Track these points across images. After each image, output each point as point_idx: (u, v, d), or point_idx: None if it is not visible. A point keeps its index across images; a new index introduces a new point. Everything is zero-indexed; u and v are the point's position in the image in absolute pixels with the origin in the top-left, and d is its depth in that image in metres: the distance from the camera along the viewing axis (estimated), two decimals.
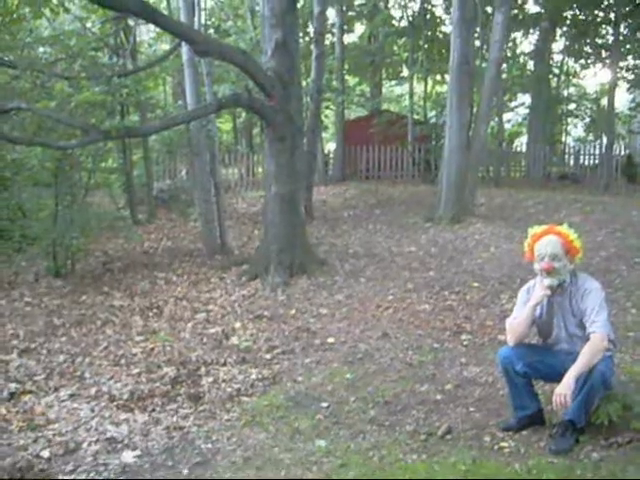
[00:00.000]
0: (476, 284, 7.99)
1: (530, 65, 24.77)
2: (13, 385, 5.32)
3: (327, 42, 20.02)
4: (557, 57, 26.30)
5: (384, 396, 4.82)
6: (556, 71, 26.29)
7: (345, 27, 21.86)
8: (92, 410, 4.79)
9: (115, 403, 4.88)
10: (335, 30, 20.87)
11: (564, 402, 3.70)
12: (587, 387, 3.81)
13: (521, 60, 24.91)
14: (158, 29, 12.83)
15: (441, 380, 5.10)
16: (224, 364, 5.62)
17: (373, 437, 4.17)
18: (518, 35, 24.30)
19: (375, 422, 4.39)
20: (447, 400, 4.71)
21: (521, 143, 27.97)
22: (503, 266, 8.85)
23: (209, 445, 4.17)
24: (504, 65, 20.29)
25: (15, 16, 10.07)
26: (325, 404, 4.72)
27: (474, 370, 5.27)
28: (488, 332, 6.22)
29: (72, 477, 3.83)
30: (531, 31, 24.04)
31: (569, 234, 4.06)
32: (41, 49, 12.23)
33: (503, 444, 3.97)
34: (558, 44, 25.57)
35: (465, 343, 5.98)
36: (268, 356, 5.88)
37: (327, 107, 22.87)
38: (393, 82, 29.32)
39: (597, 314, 3.87)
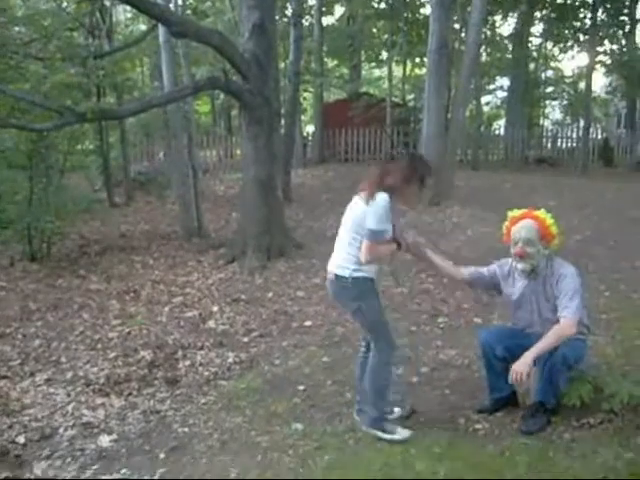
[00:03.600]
0: None
1: (509, 48, 24.81)
2: None
3: (306, 24, 19.91)
4: (536, 40, 26.37)
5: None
6: (534, 54, 26.37)
7: (324, 9, 21.74)
8: (68, 395, 4.78)
9: (91, 387, 4.88)
10: (314, 12, 20.74)
11: (519, 379, 3.73)
12: (547, 368, 3.87)
13: (500, 43, 24.95)
14: (135, 10, 12.67)
15: (417, 363, 5.13)
16: (201, 348, 5.63)
17: (349, 420, 4.18)
18: (497, 18, 24.33)
19: (351, 405, 4.39)
20: (423, 383, 4.76)
21: (499, 126, 28.09)
22: (479, 249, 8.90)
23: (186, 429, 4.18)
24: (483, 48, 20.33)
25: None
26: (302, 387, 4.74)
27: (450, 353, 5.31)
28: (464, 315, 6.28)
29: (48, 463, 3.82)
30: (510, 14, 24.07)
31: (546, 219, 4.03)
32: (15, 29, 12.04)
33: (477, 426, 4.01)
34: (537, 27, 25.66)
35: (441, 326, 6.03)
36: (245, 339, 5.88)
37: (305, 90, 22.78)
38: (372, 65, 29.25)
39: (570, 299, 3.87)
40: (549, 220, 4.03)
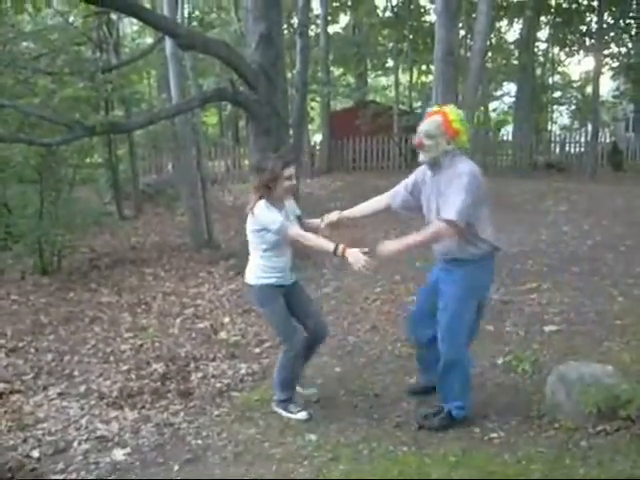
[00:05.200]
0: None
1: (515, 54, 24.79)
2: (1, 385, 5.31)
3: (311, 33, 19.97)
4: (542, 45, 26.36)
5: (373, 389, 4.84)
6: (541, 59, 26.35)
7: (329, 18, 21.79)
8: (82, 408, 4.79)
9: (105, 401, 4.88)
10: (319, 21, 20.80)
11: (363, 266, 3.85)
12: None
13: (506, 49, 24.94)
14: (141, 23, 12.73)
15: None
16: (213, 359, 5.62)
17: (363, 430, 4.18)
18: (503, 24, 24.34)
19: (365, 415, 4.41)
20: (436, 391, 4.73)
21: (507, 132, 28.06)
22: None
23: (199, 441, 4.18)
24: (489, 54, 20.33)
25: None
26: (315, 398, 4.73)
27: None
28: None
29: (63, 477, 3.82)
30: (516, 20, 24.07)
31: (450, 114, 3.94)
32: (23, 44, 12.12)
33: (493, 435, 4.00)
34: (543, 32, 25.65)
35: None
36: (257, 350, 5.87)
37: (312, 99, 22.83)
38: (378, 73, 29.29)
39: (453, 199, 3.78)
40: (454, 116, 3.94)
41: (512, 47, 25.04)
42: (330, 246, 3.98)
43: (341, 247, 3.94)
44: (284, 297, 4.35)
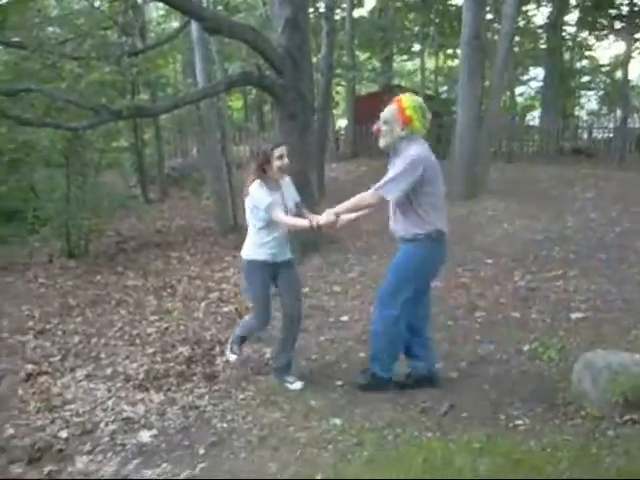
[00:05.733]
0: (489, 261, 7.96)
1: (543, 38, 24.45)
2: (30, 366, 5.37)
3: (337, 17, 19.84)
4: (570, 29, 25.95)
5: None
6: (569, 43, 25.97)
7: (355, 1, 21.62)
8: (108, 390, 4.83)
9: (131, 383, 4.92)
10: (345, 5, 20.65)
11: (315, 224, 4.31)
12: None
13: (534, 33, 24.60)
14: (167, 7, 12.74)
15: (455, 357, 5.09)
16: None
17: (388, 415, 4.17)
18: (531, 7, 23.99)
19: (389, 400, 4.40)
20: (462, 378, 4.72)
21: (534, 117, 27.76)
22: (516, 243, 8.80)
23: (224, 424, 4.19)
24: (516, 38, 20.06)
25: None
26: (339, 382, 4.73)
27: (488, 348, 5.26)
28: (502, 309, 6.20)
29: (90, 457, 3.86)
30: (544, 3, 23.72)
31: (404, 101, 4.22)
32: (50, 29, 12.18)
33: (518, 422, 3.97)
34: (571, 16, 25.23)
35: (479, 320, 5.96)
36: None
37: (338, 83, 22.72)
38: (404, 57, 29.06)
39: (388, 174, 4.19)
40: (407, 103, 4.20)
41: (540, 31, 24.70)
42: (306, 222, 4.42)
43: (315, 221, 4.35)
44: (273, 274, 4.67)
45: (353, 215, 4.57)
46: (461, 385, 4.58)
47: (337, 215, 4.34)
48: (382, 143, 4.33)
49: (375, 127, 4.33)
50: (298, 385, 4.68)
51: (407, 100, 4.22)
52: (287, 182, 4.72)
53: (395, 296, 4.35)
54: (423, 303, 4.54)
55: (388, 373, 4.56)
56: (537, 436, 3.78)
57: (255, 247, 4.59)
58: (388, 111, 4.27)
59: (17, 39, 10.03)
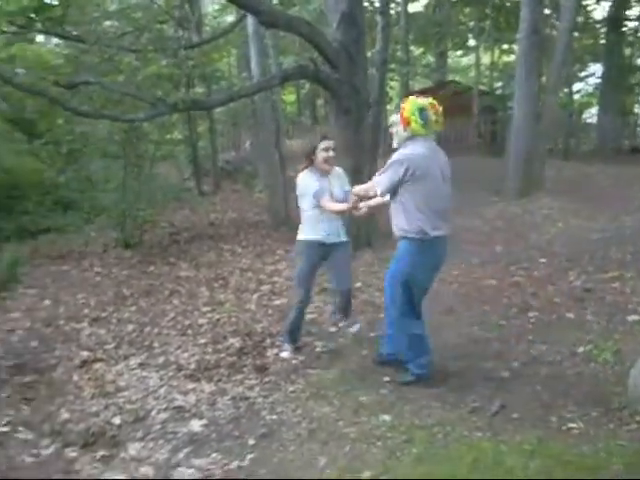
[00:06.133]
0: (544, 260, 7.82)
1: (602, 33, 23.88)
2: (85, 353, 5.50)
3: (391, 11, 19.72)
4: (631, 24, 25.26)
5: (449, 372, 4.78)
6: (630, 39, 25.30)
7: None
8: (160, 379, 4.91)
9: (182, 372, 4.99)
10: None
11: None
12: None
13: (593, 28, 24.05)
14: (222, 1, 12.83)
15: (507, 357, 5.01)
16: None
17: (437, 413, 4.14)
18: (590, 2, 23.45)
19: (439, 398, 4.36)
20: (513, 378, 4.64)
21: (591, 114, 27.17)
22: (572, 242, 8.63)
23: (274, 416, 4.22)
24: (575, 34, 19.66)
25: None
26: (388, 378, 4.71)
27: (541, 348, 5.17)
28: (556, 310, 6.08)
29: (142, 444, 3.92)
30: None
31: (406, 105, 4.44)
32: (108, 23, 12.38)
33: (571, 425, 3.89)
34: (633, 11, 24.55)
35: (532, 320, 5.85)
36: (333, 329, 5.88)
37: (391, 78, 22.60)
38: (458, 52, 28.76)
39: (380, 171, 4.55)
40: (408, 106, 4.41)
41: (599, 26, 24.13)
42: (343, 206, 4.88)
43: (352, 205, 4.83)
44: (325, 254, 5.05)
45: (372, 202, 4.87)
46: (512, 385, 4.51)
47: (357, 198, 4.84)
48: (394, 143, 4.60)
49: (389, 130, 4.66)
50: (286, 354, 5.21)
51: (408, 103, 4.43)
52: (338, 172, 5.17)
53: (388, 294, 4.69)
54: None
55: (420, 369, 4.62)
56: (591, 440, 3.70)
57: (308, 229, 5.03)
58: (396, 114, 4.56)
59: (76, 33, 10.22)
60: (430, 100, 4.45)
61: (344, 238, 5.16)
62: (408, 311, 4.56)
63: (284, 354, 5.24)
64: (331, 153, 4.94)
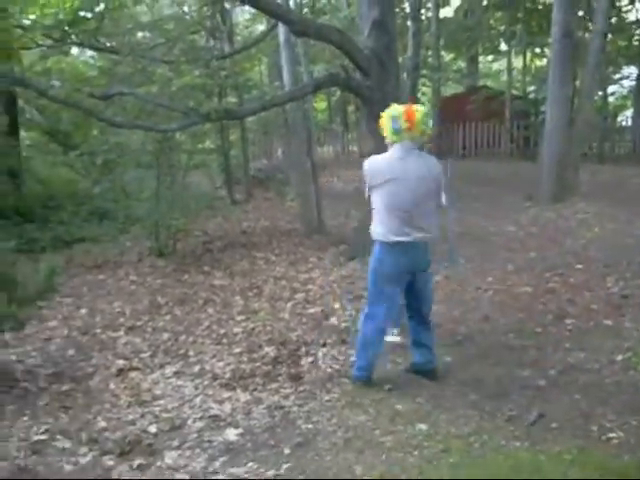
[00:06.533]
0: (580, 266, 7.72)
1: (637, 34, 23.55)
2: (121, 361, 5.54)
3: (422, 17, 19.70)
4: None
5: (484, 380, 4.74)
6: None
7: (440, 1, 21.41)
8: (196, 388, 4.93)
9: (218, 381, 5.01)
10: (430, 5, 20.47)
11: None
12: None
13: (627, 29, 23.72)
14: (253, 11, 12.93)
15: (544, 365, 4.95)
16: (324, 345, 5.65)
17: (474, 422, 4.10)
18: (624, 3, 23.14)
19: (476, 407, 4.32)
20: (550, 386, 4.59)
21: (626, 117, 26.79)
22: (608, 247, 8.50)
23: (310, 425, 4.21)
24: (609, 35, 19.43)
25: (117, 3, 10.34)
26: (425, 387, 4.68)
27: (579, 356, 5.10)
28: (593, 317, 6.00)
29: (178, 452, 3.94)
30: None
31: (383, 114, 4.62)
32: (141, 34, 12.55)
33: (611, 435, 3.82)
34: None
35: (569, 327, 5.78)
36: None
37: (423, 84, 22.56)
38: (489, 58, 28.58)
39: None
40: (384, 115, 4.59)
41: (634, 27, 23.81)
42: None
43: None
44: None
45: None
46: (550, 394, 4.46)
47: None
48: None
49: None
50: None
51: (385, 112, 4.60)
52: None
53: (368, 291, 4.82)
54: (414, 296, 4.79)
55: (359, 372, 4.80)
56: (632, 450, 3.63)
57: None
58: None
59: (110, 45, 10.38)
60: (405, 108, 4.52)
61: None
62: (374, 312, 4.71)
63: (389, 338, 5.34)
64: None
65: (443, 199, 4.69)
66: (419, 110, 4.50)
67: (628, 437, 3.79)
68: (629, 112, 26.66)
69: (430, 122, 4.65)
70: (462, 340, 5.66)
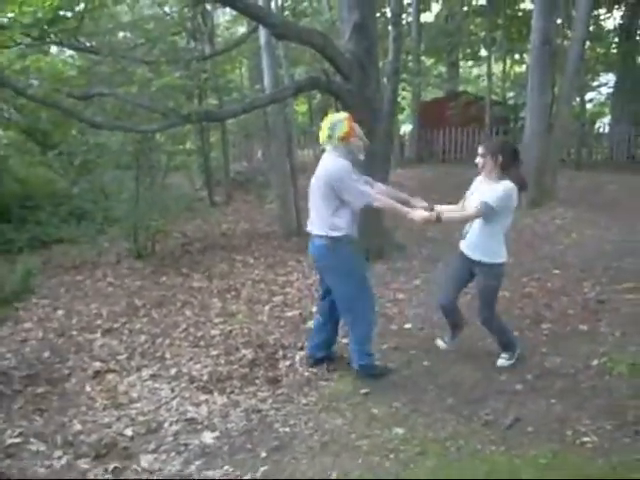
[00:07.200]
0: (557, 271, 7.79)
1: (615, 43, 23.81)
2: (97, 364, 5.50)
3: (403, 22, 19.74)
4: None
5: (462, 385, 4.76)
6: None
7: (421, 6, 21.49)
8: (173, 390, 4.91)
9: (195, 384, 4.99)
10: (411, 10, 20.53)
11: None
12: None
13: (605, 38, 23.99)
14: (235, 12, 12.89)
15: (521, 370, 4.98)
16: (301, 348, 5.63)
17: (451, 426, 4.12)
18: (602, 11, 23.39)
19: (453, 411, 4.34)
20: (527, 391, 4.62)
21: (603, 124, 27.06)
22: (586, 253, 8.59)
23: (287, 429, 4.21)
24: (587, 43, 19.61)
25: (97, 3, 10.25)
26: (402, 391, 4.69)
27: (555, 360, 5.13)
28: (570, 321, 6.05)
29: (154, 456, 3.92)
30: (616, 7, 23.11)
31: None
32: (121, 34, 12.46)
33: (585, 439, 3.86)
34: None
35: (546, 332, 5.82)
36: (345, 341, 5.84)
37: (403, 89, 22.60)
38: (470, 63, 28.74)
39: None
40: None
41: (611, 35, 24.08)
42: None
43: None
44: None
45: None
46: (527, 398, 4.49)
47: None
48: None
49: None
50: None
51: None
52: None
53: None
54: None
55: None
56: (606, 454, 3.67)
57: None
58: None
59: (90, 45, 10.29)
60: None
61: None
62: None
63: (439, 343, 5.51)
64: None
65: (350, 198, 4.70)
66: (327, 117, 4.85)
67: (602, 441, 3.83)
68: (606, 119, 26.94)
69: (337, 129, 4.72)
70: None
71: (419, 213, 4.73)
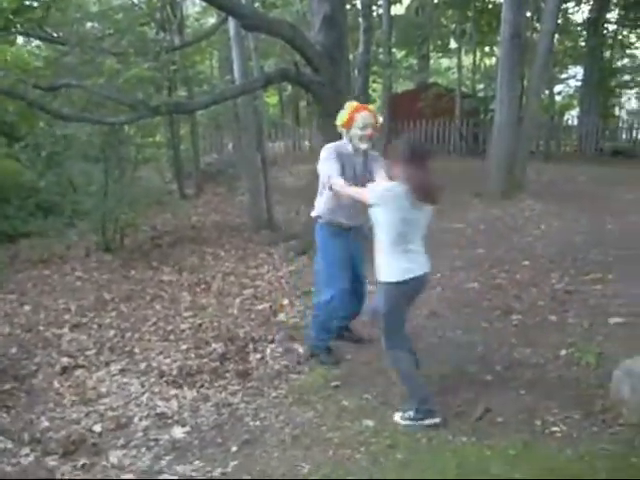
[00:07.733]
0: (526, 262, 7.84)
1: (583, 36, 24.06)
2: (65, 359, 5.45)
3: (374, 14, 19.74)
4: (611, 27, 25.44)
5: (432, 376, 4.77)
6: (610, 42, 25.50)
7: None
8: (142, 385, 4.88)
9: (164, 379, 4.96)
10: (381, 2, 20.53)
11: None
12: None
13: (573, 31, 24.22)
14: (204, 3, 12.78)
15: (490, 361, 5.01)
16: (272, 341, 5.63)
17: None
18: (570, 5, 23.61)
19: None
20: (497, 382, 4.64)
21: (572, 116, 27.35)
22: (554, 244, 8.66)
23: (257, 422, 4.20)
24: (556, 36, 19.78)
25: None
26: (372, 384, 4.70)
27: (524, 351, 5.16)
28: (539, 312, 6.08)
29: (124, 452, 3.89)
30: (584, 1, 23.35)
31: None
32: (89, 25, 12.29)
33: (554, 429, 3.90)
34: (612, 14, 24.73)
35: (515, 323, 5.85)
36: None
37: (374, 81, 22.62)
38: (441, 55, 28.83)
39: None
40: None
41: (579, 29, 24.30)
42: None
43: None
44: None
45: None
46: (496, 389, 4.51)
47: None
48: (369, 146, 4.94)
49: (371, 133, 4.84)
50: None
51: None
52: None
53: None
54: None
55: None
56: (574, 444, 3.71)
57: None
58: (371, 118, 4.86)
59: (57, 35, 10.13)
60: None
61: None
62: None
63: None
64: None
65: (321, 173, 4.84)
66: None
67: (571, 431, 3.87)
68: (575, 111, 27.24)
69: (340, 117, 4.89)
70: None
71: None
